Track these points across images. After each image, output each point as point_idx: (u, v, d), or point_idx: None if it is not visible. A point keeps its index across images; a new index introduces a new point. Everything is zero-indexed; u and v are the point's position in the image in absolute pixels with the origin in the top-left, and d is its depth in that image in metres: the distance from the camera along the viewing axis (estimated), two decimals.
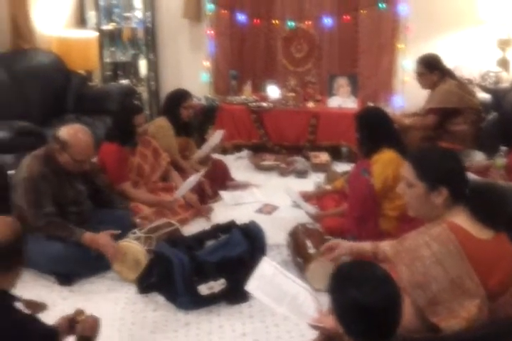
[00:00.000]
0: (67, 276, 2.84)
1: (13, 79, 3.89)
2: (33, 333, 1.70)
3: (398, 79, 4.86)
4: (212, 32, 5.04)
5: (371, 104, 4.57)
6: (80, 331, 1.97)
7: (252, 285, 2.00)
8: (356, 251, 2.26)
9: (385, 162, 2.88)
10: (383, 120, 3.06)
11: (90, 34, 4.80)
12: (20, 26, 4.30)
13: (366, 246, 2.22)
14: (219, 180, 3.89)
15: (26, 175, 2.79)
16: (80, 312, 2.04)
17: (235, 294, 2.66)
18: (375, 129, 2.98)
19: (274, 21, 5.05)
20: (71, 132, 2.84)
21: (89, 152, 2.89)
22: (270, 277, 2.04)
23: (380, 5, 4.74)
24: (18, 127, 3.27)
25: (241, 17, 5.03)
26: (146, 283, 2.74)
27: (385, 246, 2.14)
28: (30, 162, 2.84)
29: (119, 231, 2.85)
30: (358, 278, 1.50)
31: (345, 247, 2.28)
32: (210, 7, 4.99)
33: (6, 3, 4.14)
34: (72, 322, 2.00)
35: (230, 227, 2.87)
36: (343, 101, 4.65)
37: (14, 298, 1.79)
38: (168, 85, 5.11)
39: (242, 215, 3.29)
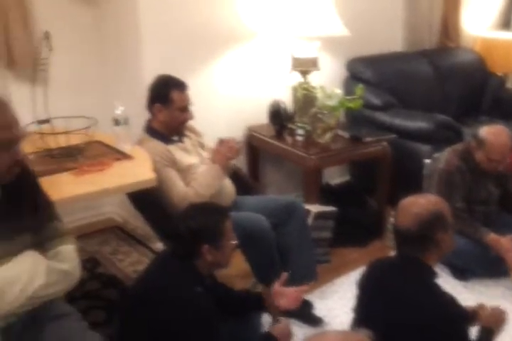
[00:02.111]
0: (462, 271, 2.88)
1: (437, 74, 4.06)
2: (458, 312, 1.76)
3: None
4: None
5: None
6: (484, 321, 1.97)
7: None
8: None
9: None
10: None
11: None
12: (449, 26, 4.48)
13: None
14: None
15: (443, 167, 2.89)
16: (482, 307, 2.04)
17: None
18: None
19: None
20: (491, 131, 2.82)
21: (505, 153, 2.83)
22: None
23: None
24: (439, 120, 3.40)
25: None
26: None
27: None
28: (449, 155, 2.93)
29: None
30: None
31: None
32: None
33: (441, 4, 4.35)
34: (474, 313, 2.02)
35: None
36: None
37: (436, 275, 1.88)
38: None
39: None
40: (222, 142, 2.58)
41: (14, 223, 1.59)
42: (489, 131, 2.83)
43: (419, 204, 1.82)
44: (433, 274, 1.84)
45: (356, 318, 1.99)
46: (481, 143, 2.82)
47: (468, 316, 1.91)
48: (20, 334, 1.61)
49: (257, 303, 2.06)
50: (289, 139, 3.24)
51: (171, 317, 1.71)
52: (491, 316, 2.01)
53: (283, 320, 1.99)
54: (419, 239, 1.79)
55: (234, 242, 1.91)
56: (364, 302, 1.96)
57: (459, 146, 2.98)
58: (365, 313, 1.95)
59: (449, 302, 1.76)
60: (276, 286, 2.04)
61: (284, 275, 2.07)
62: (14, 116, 1.53)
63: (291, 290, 2.03)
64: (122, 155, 2.40)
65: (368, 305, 1.94)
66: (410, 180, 3.18)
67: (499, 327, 2.01)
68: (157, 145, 2.50)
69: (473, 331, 1.95)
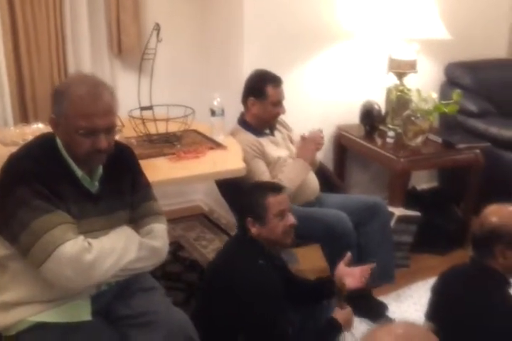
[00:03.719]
0: None
1: None
2: None
3: None
4: None
5: None
6: None
7: None
8: None
9: None
10: None
11: None
12: None
13: None
14: None
15: None
16: None
17: None
18: None
19: None
20: None
21: None
22: None
23: None
24: None
25: None
26: None
27: None
28: None
29: None
30: None
31: None
32: None
33: None
34: None
35: None
36: None
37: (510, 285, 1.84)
38: None
39: None
40: (304, 139, 2.64)
41: (114, 200, 1.72)
42: None
43: (494, 212, 1.82)
44: (503, 283, 1.82)
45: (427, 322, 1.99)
46: None
47: None
48: (109, 302, 1.74)
49: (329, 288, 2.07)
50: (378, 140, 3.24)
51: (234, 288, 1.79)
52: None
53: (347, 306, 2.00)
54: (481, 246, 1.80)
55: (289, 221, 1.93)
56: (435, 307, 1.95)
57: None
58: (435, 318, 1.94)
59: None
60: (341, 266, 2.06)
61: (348, 255, 2.08)
62: (105, 106, 1.56)
63: (356, 270, 2.05)
64: (216, 145, 2.51)
65: (438, 311, 1.93)
66: (501, 191, 3.07)
67: None
68: (249, 137, 2.58)
69: None
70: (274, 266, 1.94)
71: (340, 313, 1.94)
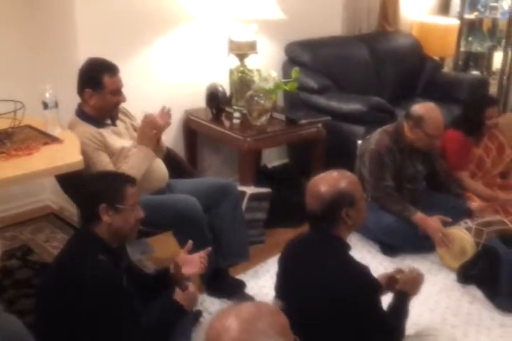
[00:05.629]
0: (391, 248, 3.00)
1: (374, 58, 4.16)
2: (367, 282, 1.81)
3: None
4: None
5: None
6: (401, 285, 2.04)
7: None
8: None
9: None
10: None
11: (451, 22, 4.80)
12: (388, 10, 4.56)
13: None
14: None
15: (374, 147, 2.98)
16: (399, 271, 2.12)
17: None
18: None
19: None
20: (425, 108, 2.97)
21: (441, 128, 2.96)
22: None
23: None
24: (372, 102, 3.49)
25: None
26: (467, 274, 2.71)
27: None
28: (380, 136, 3.02)
29: (450, 220, 2.87)
30: None
31: None
32: None
33: None
34: (391, 280, 2.10)
35: None
36: None
37: (349, 247, 1.91)
38: None
39: None
40: (143, 122, 2.57)
41: None
42: (423, 108, 2.96)
43: (321, 184, 1.85)
44: (345, 246, 1.88)
45: (276, 295, 2.04)
46: (418, 120, 2.90)
47: (380, 286, 1.95)
48: None
49: (165, 278, 2.07)
50: (226, 122, 3.28)
51: (73, 285, 1.72)
52: (408, 280, 2.07)
53: (189, 284, 2.00)
54: (324, 218, 1.83)
55: (139, 215, 1.92)
56: (282, 278, 2.01)
57: (389, 127, 3.08)
58: (282, 288, 2.00)
59: (360, 272, 1.81)
60: (181, 254, 2.07)
61: (190, 243, 2.09)
62: None
63: (195, 256, 2.07)
64: (51, 139, 2.39)
65: (285, 281, 1.98)
66: (344, 161, 3.23)
67: (415, 291, 2.06)
68: (88, 128, 2.48)
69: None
70: (116, 263, 1.87)
71: (179, 294, 1.93)
